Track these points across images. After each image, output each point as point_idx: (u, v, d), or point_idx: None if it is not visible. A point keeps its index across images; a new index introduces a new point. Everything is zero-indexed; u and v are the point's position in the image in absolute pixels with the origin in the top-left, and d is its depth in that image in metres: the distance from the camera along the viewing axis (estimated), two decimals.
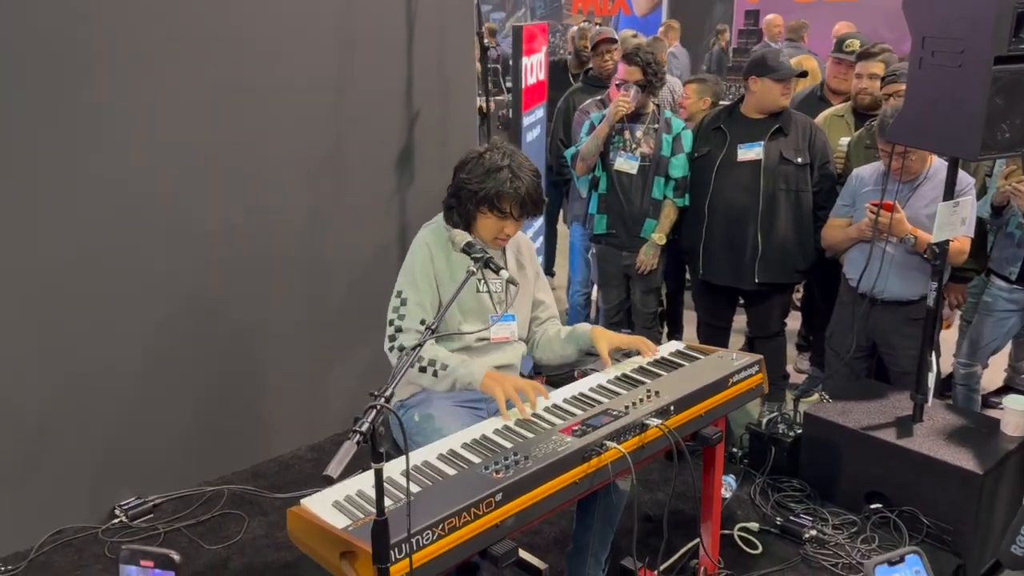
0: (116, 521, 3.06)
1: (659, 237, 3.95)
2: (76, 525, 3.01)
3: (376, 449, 1.57)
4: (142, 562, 1.49)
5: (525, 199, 2.44)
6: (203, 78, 3.10)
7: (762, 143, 3.74)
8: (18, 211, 2.78)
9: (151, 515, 3.11)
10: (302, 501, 1.87)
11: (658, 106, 4.02)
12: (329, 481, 1.49)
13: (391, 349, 2.45)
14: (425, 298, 2.46)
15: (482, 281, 2.54)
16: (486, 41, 4.01)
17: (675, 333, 4.89)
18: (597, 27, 5.73)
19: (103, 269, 2.98)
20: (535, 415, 2.26)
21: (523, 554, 2.71)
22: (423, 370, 2.40)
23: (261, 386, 3.52)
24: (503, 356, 2.58)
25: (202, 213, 3.19)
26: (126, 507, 3.09)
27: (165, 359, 3.18)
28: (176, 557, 1.50)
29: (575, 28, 6.62)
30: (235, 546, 2.97)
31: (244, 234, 3.32)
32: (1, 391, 2.81)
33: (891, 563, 1.60)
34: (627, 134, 3.94)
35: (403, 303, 2.47)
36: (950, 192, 2.92)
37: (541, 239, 5.29)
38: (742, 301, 4.15)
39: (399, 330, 2.44)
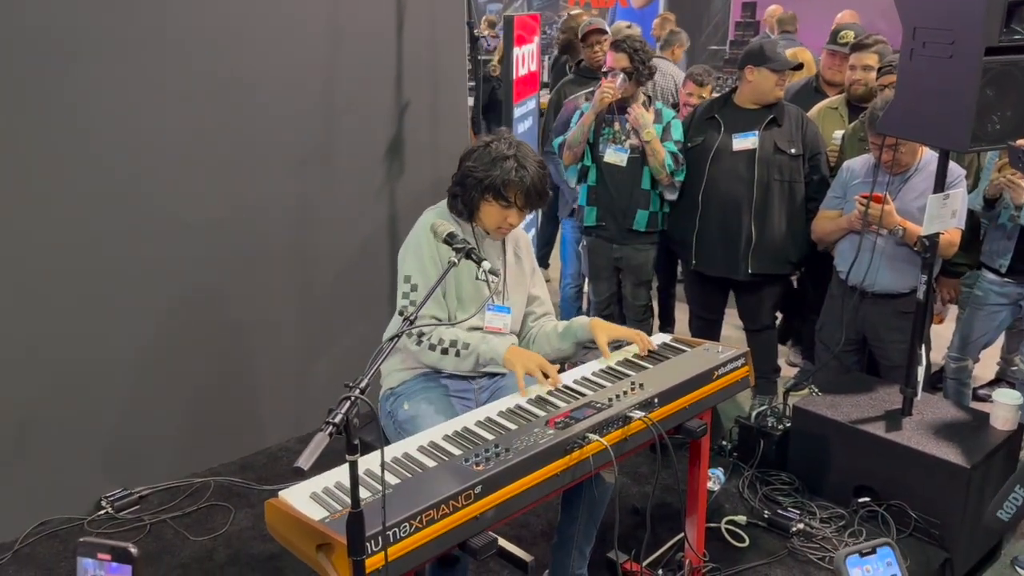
0: (102, 513, 3.05)
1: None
2: (62, 516, 3.00)
3: (350, 441, 1.55)
4: (99, 555, 1.46)
5: (530, 189, 2.44)
6: (190, 70, 3.08)
7: (757, 132, 3.72)
8: (3, 206, 2.76)
9: (137, 507, 3.10)
10: (280, 493, 1.86)
11: (649, 97, 3.98)
12: (300, 473, 1.47)
13: (409, 335, 2.44)
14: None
15: (479, 268, 2.53)
16: (477, 32, 3.97)
17: (667, 326, 4.87)
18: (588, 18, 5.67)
19: (90, 262, 2.96)
20: (519, 406, 2.25)
21: (510, 546, 2.69)
22: (445, 352, 2.45)
23: (249, 378, 3.51)
24: None
25: (189, 206, 3.16)
26: (112, 499, 3.08)
27: (153, 351, 3.17)
28: (134, 550, 1.46)
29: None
30: (221, 538, 2.97)
31: (232, 227, 3.30)
32: None
33: (862, 554, 1.59)
34: (616, 125, 3.90)
35: (413, 289, 2.47)
36: (940, 184, 2.90)
37: (533, 231, 5.27)
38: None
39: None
